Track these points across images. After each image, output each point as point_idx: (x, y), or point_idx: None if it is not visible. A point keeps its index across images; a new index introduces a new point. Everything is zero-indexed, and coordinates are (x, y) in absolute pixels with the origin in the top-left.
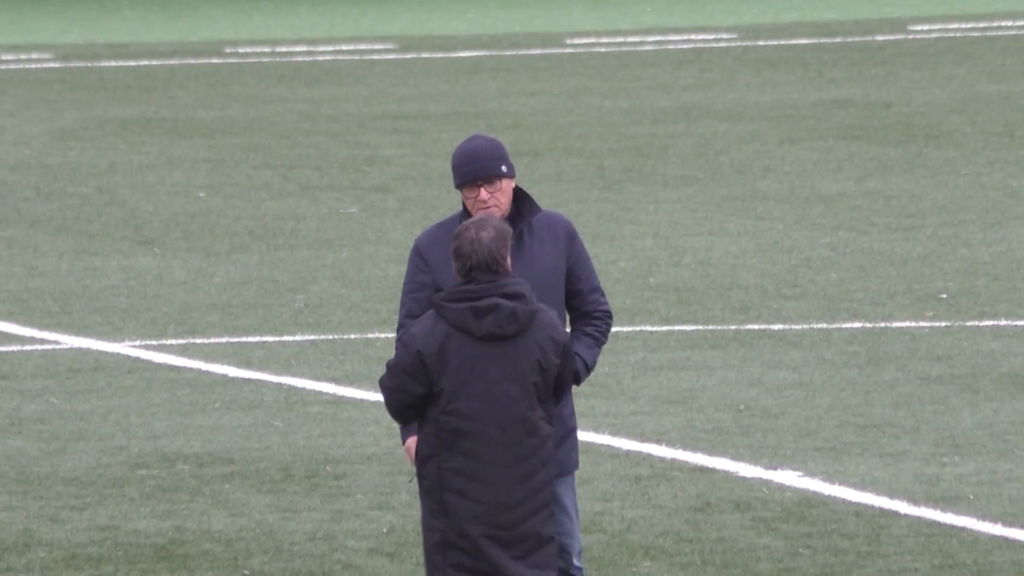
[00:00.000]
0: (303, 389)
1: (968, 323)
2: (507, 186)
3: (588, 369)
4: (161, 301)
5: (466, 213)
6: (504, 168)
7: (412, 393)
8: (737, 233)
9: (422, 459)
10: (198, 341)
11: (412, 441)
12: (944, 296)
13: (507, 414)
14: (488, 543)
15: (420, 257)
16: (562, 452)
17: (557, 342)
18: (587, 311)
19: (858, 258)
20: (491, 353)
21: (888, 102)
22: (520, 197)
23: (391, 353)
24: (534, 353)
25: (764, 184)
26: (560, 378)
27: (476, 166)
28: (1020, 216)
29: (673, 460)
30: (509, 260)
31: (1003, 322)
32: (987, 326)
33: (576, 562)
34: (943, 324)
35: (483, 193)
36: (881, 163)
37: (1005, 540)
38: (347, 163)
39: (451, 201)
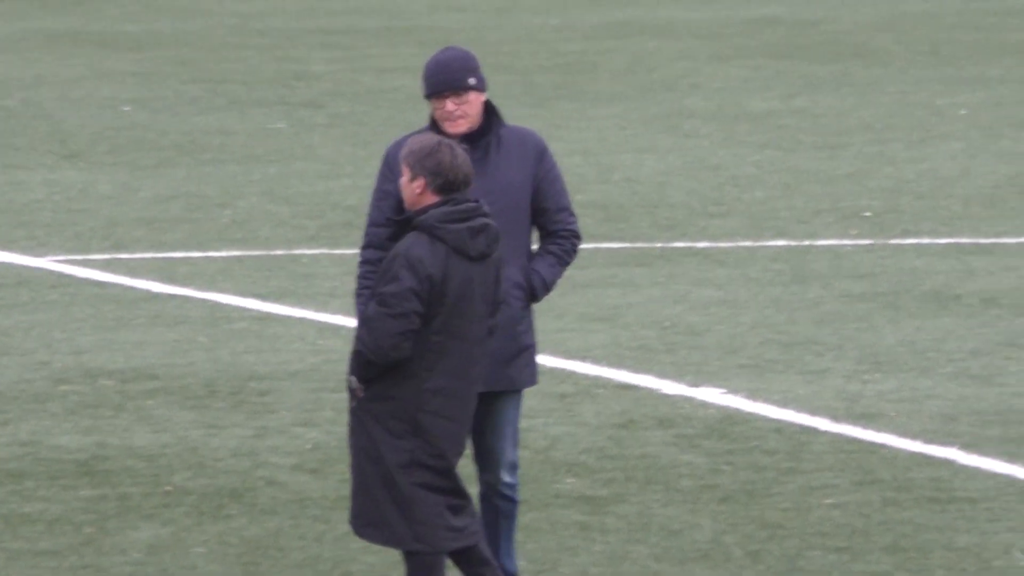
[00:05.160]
0: (228, 305)
1: (892, 241)
2: (475, 99)
3: (547, 287)
4: (86, 215)
5: (434, 124)
6: (472, 80)
7: (419, 315)
8: (665, 151)
9: (390, 382)
10: (123, 256)
11: None
12: (868, 214)
13: (480, 331)
14: (456, 459)
15: (388, 167)
16: (514, 368)
17: (502, 259)
18: (553, 230)
19: (784, 176)
20: (476, 272)
21: (816, 20)
22: (490, 111)
23: (318, 269)
24: (495, 271)
25: (692, 102)
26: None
27: (444, 76)
28: (945, 135)
29: (598, 377)
30: None
31: (926, 240)
32: (910, 244)
33: (506, 477)
34: (867, 242)
35: (449, 104)
36: (808, 81)
37: (924, 457)
38: (275, 78)
39: (380, 116)
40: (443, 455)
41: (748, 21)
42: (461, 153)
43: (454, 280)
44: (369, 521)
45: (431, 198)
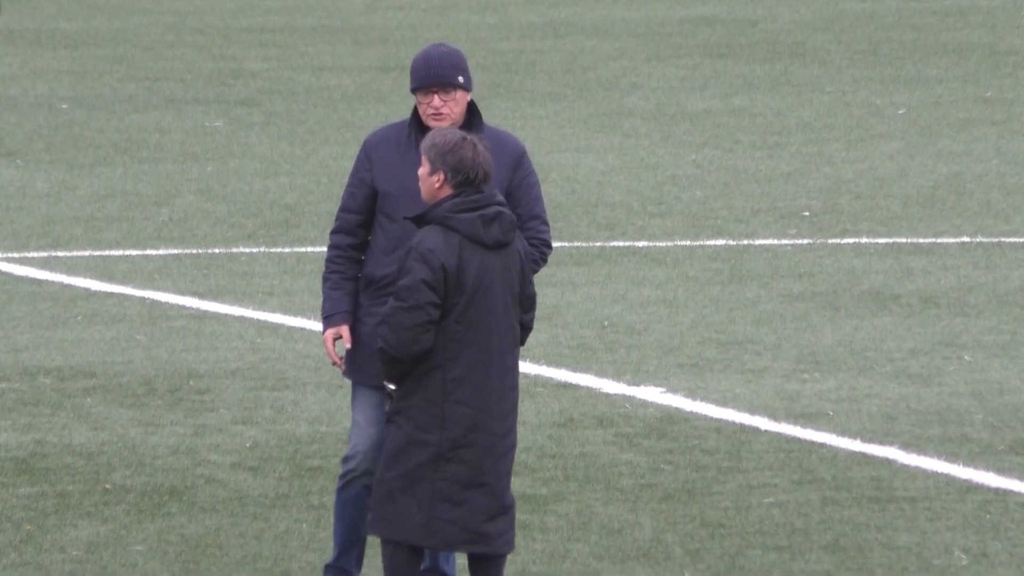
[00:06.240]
0: (166, 303)
1: (830, 241)
2: (461, 98)
3: None
4: (23, 213)
5: (416, 119)
6: (461, 79)
7: (436, 306)
8: (603, 150)
9: (417, 376)
10: (60, 254)
11: (330, 333)
12: (807, 214)
13: (504, 322)
14: (485, 452)
15: (366, 154)
16: None
17: (527, 251)
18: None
19: (723, 175)
20: (495, 261)
21: (754, 19)
22: (472, 112)
23: (256, 268)
24: (518, 262)
25: (631, 101)
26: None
27: (433, 71)
28: (883, 134)
29: (537, 376)
30: None
31: (864, 240)
32: (849, 244)
33: None
34: (805, 241)
35: (436, 100)
36: (747, 81)
37: (863, 456)
38: (212, 76)
39: (316, 115)
40: (468, 444)
41: (686, 20)
42: (483, 150)
43: (471, 269)
44: (383, 516)
45: (447, 191)
